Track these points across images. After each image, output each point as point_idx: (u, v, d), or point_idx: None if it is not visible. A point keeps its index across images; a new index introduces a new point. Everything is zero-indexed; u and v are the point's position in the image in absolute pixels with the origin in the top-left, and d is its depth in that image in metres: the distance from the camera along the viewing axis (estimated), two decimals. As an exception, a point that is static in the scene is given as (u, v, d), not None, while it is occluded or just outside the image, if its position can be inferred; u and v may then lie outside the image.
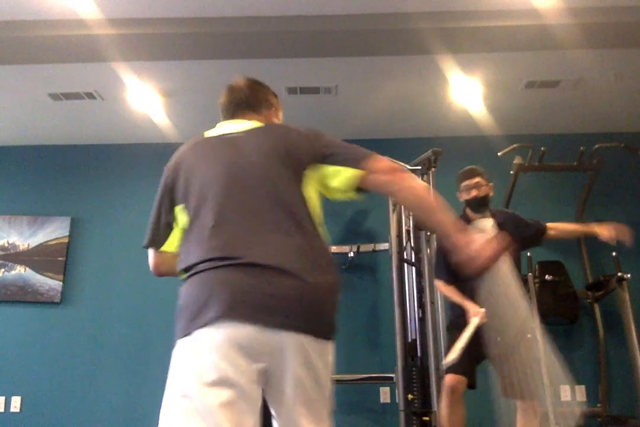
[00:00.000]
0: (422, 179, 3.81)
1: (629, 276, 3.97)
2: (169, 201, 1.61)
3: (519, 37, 3.40)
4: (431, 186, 3.77)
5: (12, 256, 4.68)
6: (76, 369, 4.39)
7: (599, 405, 4.10)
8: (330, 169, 1.59)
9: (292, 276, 1.41)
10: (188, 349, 1.42)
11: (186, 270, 1.49)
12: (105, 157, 4.93)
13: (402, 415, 3.78)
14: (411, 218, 3.96)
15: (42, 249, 4.69)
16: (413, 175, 1.65)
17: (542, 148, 4.17)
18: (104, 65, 3.63)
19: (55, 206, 4.81)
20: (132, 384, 4.40)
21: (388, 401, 4.25)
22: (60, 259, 4.64)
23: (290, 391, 1.43)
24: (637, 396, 3.83)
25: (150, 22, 3.32)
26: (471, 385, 2.87)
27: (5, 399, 4.36)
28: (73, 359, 4.41)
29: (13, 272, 4.65)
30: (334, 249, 4.38)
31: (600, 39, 3.42)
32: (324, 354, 1.53)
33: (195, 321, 1.40)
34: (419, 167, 3.85)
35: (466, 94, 4.11)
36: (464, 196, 3.06)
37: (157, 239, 1.63)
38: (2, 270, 4.66)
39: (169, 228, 1.61)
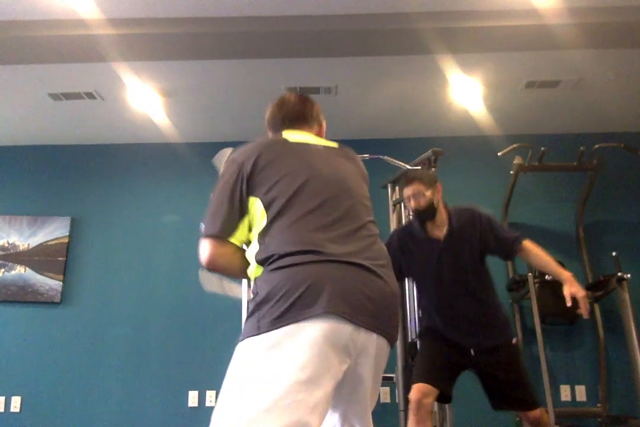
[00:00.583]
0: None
1: (629, 276, 3.97)
2: (246, 191, 1.60)
3: (519, 37, 3.40)
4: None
5: (12, 256, 4.68)
6: (76, 369, 4.39)
7: (599, 405, 4.10)
8: None
9: (385, 281, 1.49)
10: (288, 342, 1.35)
11: (279, 258, 1.46)
12: (105, 157, 4.93)
13: (402, 415, 3.78)
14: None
15: (42, 249, 4.69)
16: None
17: (542, 148, 4.17)
18: (104, 65, 3.63)
19: (55, 206, 4.81)
20: (132, 384, 4.40)
21: (388, 401, 4.25)
22: (60, 259, 4.64)
23: (364, 389, 1.52)
24: (637, 396, 3.82)
25: (150, 22, 3.32)
26: (444, 398, 2.63)
27: (5, 399, 4.36)
28: (73, 359, 4.41)
29: (13, 272, 4.65)
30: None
31: (600, 39, 3.42)
32: (387, 357, 1.58)
33: (301, 312, 1.36)
34: (419, 167, 3.85)
35: (466, 94, 4.11)
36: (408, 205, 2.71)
37: (229, 229, 1.60)
38: (2, 270, 4.66)
39: (241, 218, 1.60)
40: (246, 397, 1.31)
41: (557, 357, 4.33)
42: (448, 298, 2.68)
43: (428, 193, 2.62)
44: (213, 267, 1.69)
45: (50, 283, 4.59)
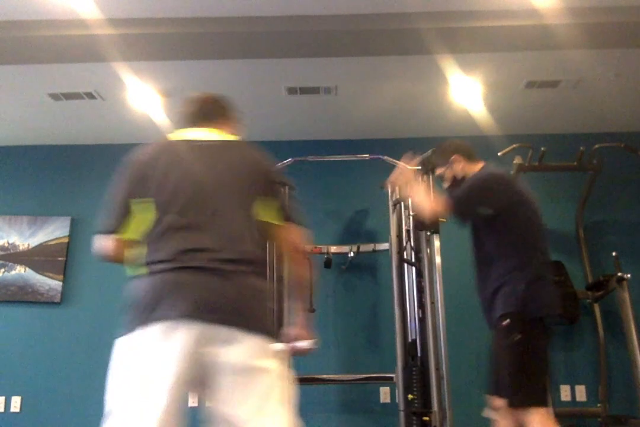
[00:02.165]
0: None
1: (629, 276, 3.97)
2: (131, 193, 1.70)
3: (519, 37, 3.40)
4: (431, 186, 3.76)
5: (12, 256, 4.68)
6: (76, 369, 4.39)
7: (599, 405, 4.10)
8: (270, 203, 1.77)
9: (225, 278, 1.58)
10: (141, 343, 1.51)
11: (148, 264, 1.59)
12: (105, 157, 4.92)
13: (402, 415, 3.78)
14: (411, 218, 3.96)
15: (42, 249, 4.69)
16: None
17: (542, 148, 4.17)
18: (104, 65, 3.63)
19: (55, 206, 4.81)
20: (132, 384, 4.40)
21: (388, 401, 4.25)
22: (60, 259, 4.64)
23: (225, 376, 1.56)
24: (637, 396, 3.82)
25: (150, 22, 3.32)
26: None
27: (5, 399, 4.36)
28: (73, 359, 4.41)
29: (13, 272, 4.65)
30: (333, 249, 4.38)
31: (600, 39, 3.42)
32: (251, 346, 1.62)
33: (156, 314, 1.50)
34: (419, 167, 3.85)
35: (466, 94, 4.11)
36: None
37: (120, 226, 1.68)
38: (2, 270, 4.66)
39: (128, 217, 1.69)
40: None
41: (557, 357, 4.33)
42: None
43: (447, 173, 2.66)
44: (111, 260, 1.78)
45: (50, 283, 4.59)
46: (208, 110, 1.94)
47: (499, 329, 2.29)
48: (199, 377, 1.54)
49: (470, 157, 2.65)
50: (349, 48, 3.55)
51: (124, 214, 1.68)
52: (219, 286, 1.54)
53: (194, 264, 1.55)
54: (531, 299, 2.26)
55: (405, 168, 2.69)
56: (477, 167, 2.60)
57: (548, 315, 2.30)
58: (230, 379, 1.52)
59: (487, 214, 2.41)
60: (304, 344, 1.81)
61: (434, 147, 3.76)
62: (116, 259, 1.74)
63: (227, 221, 1.65)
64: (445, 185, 2.71)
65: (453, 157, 2.63)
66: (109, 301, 4.56)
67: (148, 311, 1.52)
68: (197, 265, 1.55)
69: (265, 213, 1.74)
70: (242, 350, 1.51)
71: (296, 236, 1.79)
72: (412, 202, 2.48)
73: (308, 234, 1.82)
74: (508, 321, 2.26)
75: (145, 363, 1.48)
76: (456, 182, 2.61)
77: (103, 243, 1.72)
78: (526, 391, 2.21)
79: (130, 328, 1.53)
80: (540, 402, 2.21)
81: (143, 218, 1.65)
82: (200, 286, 1.53)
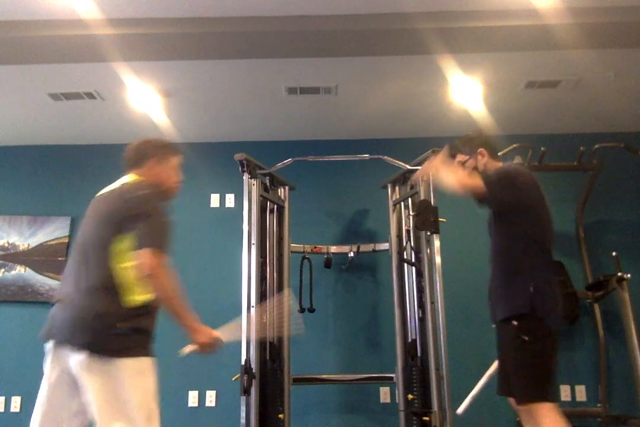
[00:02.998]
0: (422, 179, 3.81)
1: (629, 276, 3.97)
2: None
3: (519, 37, 3.40)
4: (431, 186, 3.76)
5: (12, 256, 4.68)
6: (76, 369, 4.39)
7: (599, 405, 4.10)
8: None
9: (60, 305, 2.12)
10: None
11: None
12: (105, 157, 4.92)
13: (402, 415, 3.78)
14: (411, 218, 3.96)
15: (42, 249, 4.69)
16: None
17: (542, 148, 4.17)
18: (104, 65, 3.63)
19: (55, 206, 4.81)
20: (132, 384, 4.40)
21: (388, 401, 4.25)
22: (60, 259, 4.64)
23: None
24: (637, 396, 3.83)
25: (150, 22, 3.31)
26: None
27: (5, 399, 4.36)
28: (73, 359, 4.41)
29: (13, 272, 4.65)
30: (333, 249, 4.39)
31: (600, 39, 3.42)
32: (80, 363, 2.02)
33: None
34: (419, 167, 3.85)
35: (466, 94, 4.11)
36: None
37: None
38: (2, 270, 4.66)
39: None
40: None
41: (557, 357, 4.32)
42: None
43: (469, 162, 2.63)
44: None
45: (50, 283, 4.59)
46: (129, 158, 2.29)
47: (508, 330, 2.32)
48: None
49: (494, 154, 2.66)
50: (349, 48, 3.55)
51: None
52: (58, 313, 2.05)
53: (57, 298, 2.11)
54: (540, 301, 2.29)
55: (433, 157, 2.63)
56: (498, 165, 2.62)
57: (555, 317, 2.32)
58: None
59: (516, 202, 2.44)
60: (190, 347, 2.11)
61: (434, 147, 3.79)
62: None
63: (82, 265, 2.06)
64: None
65: (480, 150, 2.63)
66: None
67: None
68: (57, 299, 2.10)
69: (123, 245, 2.01)
70: (73, 363, 1.97)
71: (144, 261, 1.96)
72: (446, 183, 2.40)
73: (158, 254, 1.98)
74: (517, 322, 2.30)
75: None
76: (474, 174, 2.61)
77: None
78: (533, 388, 2.25)
79: None
80: (546, 398, 2.25)
81: None
82: (52, 315, 2.08)
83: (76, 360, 1.94)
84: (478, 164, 2.62)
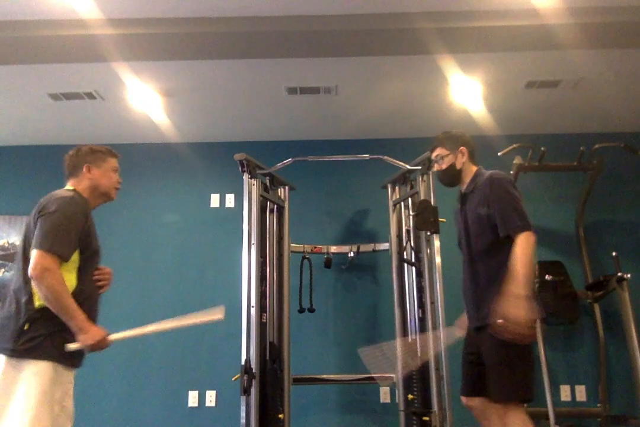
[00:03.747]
0: (422, 179, 3.81)
1: (629, 276, 3.97)
2: None
3: (519, 37, 3.40)
4: (431, 186, 3.76)
5: (12, 256, 4.68)
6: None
7: (599, 405, 4.10)
8: None
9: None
10: None
11: None
12: (105, 157, 4.92)
13: (402, 415, 3.79)
14: (411, 218, 3.96)
15: (42, 249, 4.68)
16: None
17: (542, 148, 4.17)
18: (104, 65, 3.63)
19: (55, 206, 4.81)
20: (132, 384, 4.40)
21: (388, 401, 4.25)
22: (60, 259, 4.64)
23: None
24: (637, 396, 3.83)
25: (150, 22, 3.31)
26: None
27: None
28: (73, 359, 4.41)
29: (13, 273, 4.64)
30: (333, 249, 4.39)
31: (600, 39, 3.42)
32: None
33: None
34: (419, 167, 3.85)
35: (466, 94, 4.11)
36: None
37: None
38: (2, 270, 4.66)
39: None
40: None
41: (557, 357, 4.33)
42: (464, 264, 2.60)
43: (449, 157, 2.67)
44: None
45: (50, 283, 4.59)
46: (65, 169, 2.44)
47: (496, 329, 2.30)
48: None
49: (472, 156, 2.71)
50: (349, 48, 3.55)
51: None
52: None
53: None
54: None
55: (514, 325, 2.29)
56: (474, 168, 2.67)
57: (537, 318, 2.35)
58: None
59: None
60: (75, 344, 2.11)
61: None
62: None
63: (15, 273, 2.18)
64: (438, 167, 2.72)
65: (462, 148, 2.67)
66: (108, 300, 4.55)
67: None
68: None
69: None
70: None
71: (30, 263, 2.04)
72: (527, 274, 2.36)
73: (45, 256, 2.05)
74: (504, 322, 2.28)
75: None
76: (451, 170, 2.66)
77: None
78: (515, 387, 2.32)
79: None
80: (526, 397, 2.36)
81: None
82: None
83: None
84: (457, 161, 2.66)
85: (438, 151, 2.71)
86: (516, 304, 2.20)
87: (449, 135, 2.73)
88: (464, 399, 2.53)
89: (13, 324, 2.05)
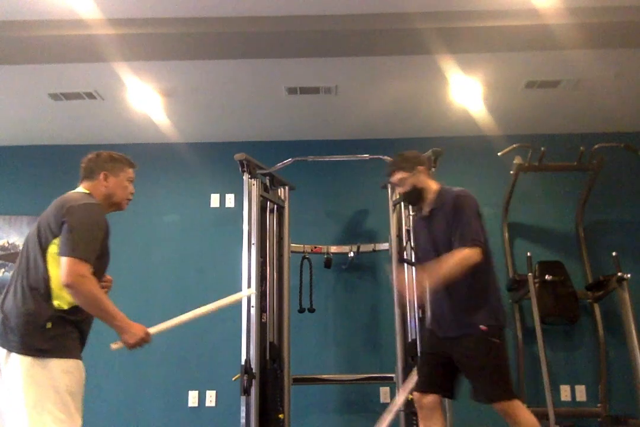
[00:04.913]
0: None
1: (629, 276, 3.97)
2: None
3: (519, 37, 3.40)
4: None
5: (12, 256, 4.68)
6: (76, 369, 4.39)
7: (599, 405, 4.10)
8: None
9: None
10: None
11: None
12: (105, 157, 4.92)
13: (402, 415, 3.78)
14: (411, 218, 3.95)
15: (42, 249, 4.69)
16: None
17: (542, 148, 4.17)
18: (104, 65, 3.63)
19: (55, 206, 4.81)
20: (132, 384, 4.40)
21: (388, 401, 4.25)
22: (60, 259, 4.64)
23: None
24: (637, 396, 3.83)
25: (150, 22, 3.32)
26: (447, 395, 2.66)
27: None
28: (73, 359, 4.41)
29: (20, 267, 4.64)
30: (333, 249, 4.39)
31: (600, 39, 3.42)
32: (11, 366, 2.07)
33: None
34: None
35: (466, 94, 4.10)
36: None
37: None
38: (2, 270, 4.66)
39: None
40: None
41: (557, 357, 4.33)
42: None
43: (410, 180, 2.71)
44: None
45: (50, 283, 4.59)
46: (82, 171, 2.40)
47: (476, 336, 2.49)
48: None
49: (429, 173, 2.79)
50: (349, 48, 3.55)
51: None
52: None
53: None
54: (501, 312, 2.57)
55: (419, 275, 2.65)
56: (433, 184, 2.74)
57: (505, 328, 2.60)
58: None
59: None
60: (119, 344, 2.29)
61: (434, 147, 3.79)
62: None
63: (26, 270, 2.15)
64: (401, 190, 2.77)
65: (419, 167, 2.72)
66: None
67: None
68: None
69: (53, 249, 2.10)
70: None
71: (64, 270, 2.03)
72: (448, 277, 2.49)
73: (78, 264, 2.03)
74: (485, 327, 2.48)
75: None
76: (414, 190, 2.72)
77: None
78: (504, 387, 2.48)
79: None
80: (515, 395, 2.52)
81: None
82: None
83: (3, 359, 2.05)
84: (417, 181, 2.71)
85: (399, 175, 2.73)
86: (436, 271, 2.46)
87: (405, 158, 2.77)
88: (417, 395, 2.63)
89: (34, 321, 2.05)
